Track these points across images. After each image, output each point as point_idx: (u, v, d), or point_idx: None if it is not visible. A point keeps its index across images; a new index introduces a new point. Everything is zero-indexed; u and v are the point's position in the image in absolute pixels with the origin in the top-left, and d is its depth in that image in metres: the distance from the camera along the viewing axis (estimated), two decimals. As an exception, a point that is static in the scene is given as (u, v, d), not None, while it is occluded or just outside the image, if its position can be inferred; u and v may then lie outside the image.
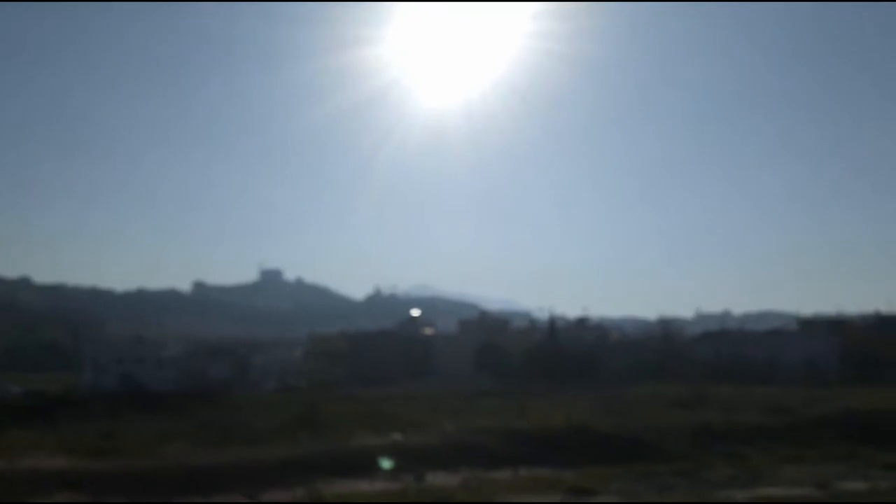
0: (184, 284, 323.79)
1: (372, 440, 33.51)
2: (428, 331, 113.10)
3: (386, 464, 30.07)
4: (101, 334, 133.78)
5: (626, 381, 66.95)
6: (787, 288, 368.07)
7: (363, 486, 26.83)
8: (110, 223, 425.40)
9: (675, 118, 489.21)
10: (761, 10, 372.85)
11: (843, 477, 27.63)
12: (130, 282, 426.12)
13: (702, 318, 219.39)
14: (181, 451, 31.59)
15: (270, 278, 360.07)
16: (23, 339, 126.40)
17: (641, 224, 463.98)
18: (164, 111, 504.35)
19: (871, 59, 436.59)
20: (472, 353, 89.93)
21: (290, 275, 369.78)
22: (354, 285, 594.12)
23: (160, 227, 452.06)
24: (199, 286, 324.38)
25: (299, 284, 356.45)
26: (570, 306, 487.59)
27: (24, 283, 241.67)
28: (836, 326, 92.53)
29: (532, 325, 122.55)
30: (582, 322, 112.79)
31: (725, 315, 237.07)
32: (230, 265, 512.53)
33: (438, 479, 27.81)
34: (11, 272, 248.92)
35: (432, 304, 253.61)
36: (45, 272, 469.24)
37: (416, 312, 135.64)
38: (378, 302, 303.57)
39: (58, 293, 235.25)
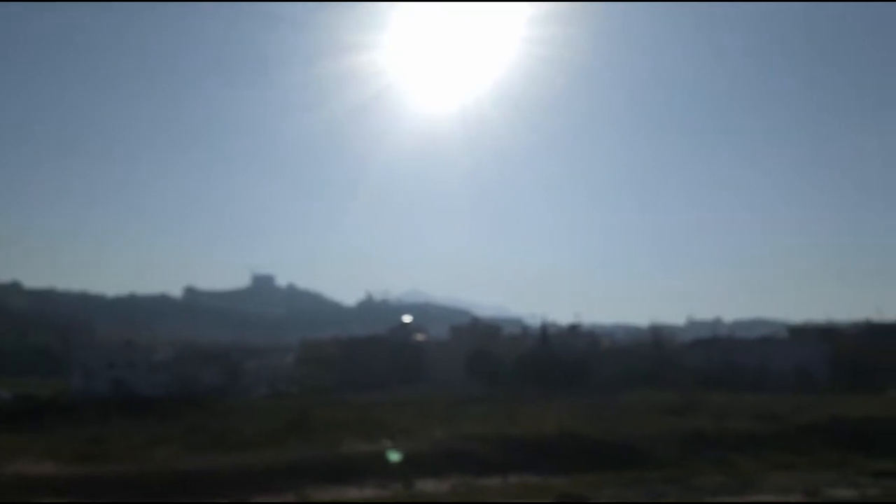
0: (175, 289, 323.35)
1: (362, 446, 33.40)
2: (419, 337, 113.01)
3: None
4: (92, 339, 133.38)
5: (617, 387, 67.01)
6: (777, 295, 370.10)
7: (352, 493, 26.76)
8: (101, 227, 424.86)
9: (668, 124, 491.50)
10: (754, 13, 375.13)
11: (832, 484, 27.66)
12: (121, 287, 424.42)
13: (693, 325, 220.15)
14: (171, 455, 31.45)
15: (262, 284, 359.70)
16: (13, 344, 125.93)
17: (634, 230, 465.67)
18: (158, 115, 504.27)
19: (864, 64, 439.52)
20: (464, 360, 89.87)
21: (281, 280, 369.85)
22: (346, 291, 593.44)
23: (151, 231, 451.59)
24: (191, 291, 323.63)
25: (291, 290, 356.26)
26: (561, 313, 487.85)
27: (14, 288, 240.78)
28: (826, 334, 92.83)
29: (524, 331, 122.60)
30: (573, 329, 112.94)
31: (716, 322, 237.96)
32: (222, 270, 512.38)
33: (428, 486, 27.73)
34: (1, 276, 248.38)
35: (424, 310, 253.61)
36: (35, 277, 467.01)
37: (407, 318, 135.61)
38: (370, 308, 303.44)
39: (48, 298, 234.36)
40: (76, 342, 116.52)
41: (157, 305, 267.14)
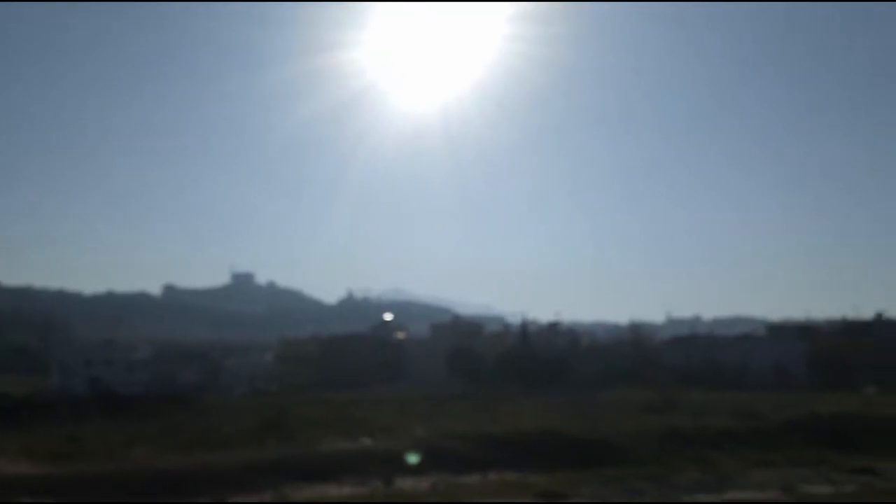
0: (154, 287, 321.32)
1: (341, 444, 33.30)
2: (400, 335, 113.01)
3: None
4: (70, 337, 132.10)
5: (597, 385, 67.35)
6: (756, 293, 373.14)
7: (331, 491, 26.66)
8: (79, 225, 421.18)
9: (648, 124, 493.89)
10: (735, 13, 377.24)
11: (809, 481, 27.88)
12: (100, 284, 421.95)
13: (672, 322, 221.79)
14: (148, 455, 31.21)
15: (242, 281, 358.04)
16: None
17: (614, 229, 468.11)
18: (139, 112, 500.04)
19: (845, 65, 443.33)
20: (445, 358, 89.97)
21: (261, 278, 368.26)
22: (327, 289, 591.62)
23: (130, 229, 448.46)
24: (170, 289, 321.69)
25: (271, 288, 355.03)
26: (542, 311, 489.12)
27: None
28: (804, 332, 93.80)
29: (505, 329, 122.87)
30: (554, 327, 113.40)
31: (696, 320, 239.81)
32: (202, 268, 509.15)
33: (408, 484, 27.68)
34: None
35: (406, 309, 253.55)
36: (12, 274, 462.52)
37: (388, 316, 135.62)
38: (351, 306, 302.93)
39: (25, 296, 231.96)
40: (54, 340, 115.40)
41: (135, 303, 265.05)
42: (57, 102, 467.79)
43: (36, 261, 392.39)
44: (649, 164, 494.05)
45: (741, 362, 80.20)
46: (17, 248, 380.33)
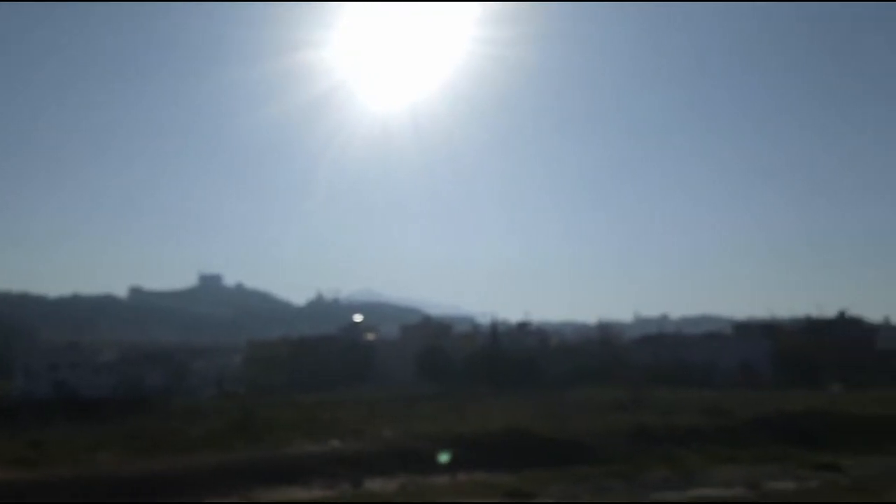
0: (120, 289, 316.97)
1: (309, 447, 33.11)
2: (370, 336, 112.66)
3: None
4: (34, 340, 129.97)
5: (566, 384, 67.64)
6: (722, 292, 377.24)
7: (299, 493, 26.49)
8: (44, 226, 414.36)
9: (616, 123, 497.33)
10: (703, 12, 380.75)
11: (774, 477, 28.18)
12: (65, 287, 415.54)
13: (640, 322, 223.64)
14: (114, 459, 30.81)
15: (210, 283, 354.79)
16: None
17: (582, 229, 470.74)
18: (103, 112, 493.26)
19: (814, 64, 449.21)
20: (415, 358, 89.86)
21: (229, 280, 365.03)
22: (296, 291, 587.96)
23: (96, 230, 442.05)
24: (136, 291, 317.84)
25: (239, 290, 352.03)
26: (512, 311, 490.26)
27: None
28: (768, 330, 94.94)
29: (474, 329, 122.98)
30: (523, 327, 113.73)
31: (663, 319, 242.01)
32: (168, 270, 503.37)
33: (376, 486, 27.59)
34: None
35: (375, 310, 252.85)
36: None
37: (358, 318, 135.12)
38: (320, 307, 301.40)
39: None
40: (18, 343, 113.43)
41: (101, 306, 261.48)
42: (21, 103, 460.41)
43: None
44: (617, 164, 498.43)
45: (708, 361, 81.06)
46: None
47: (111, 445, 33.99)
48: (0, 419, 44.44)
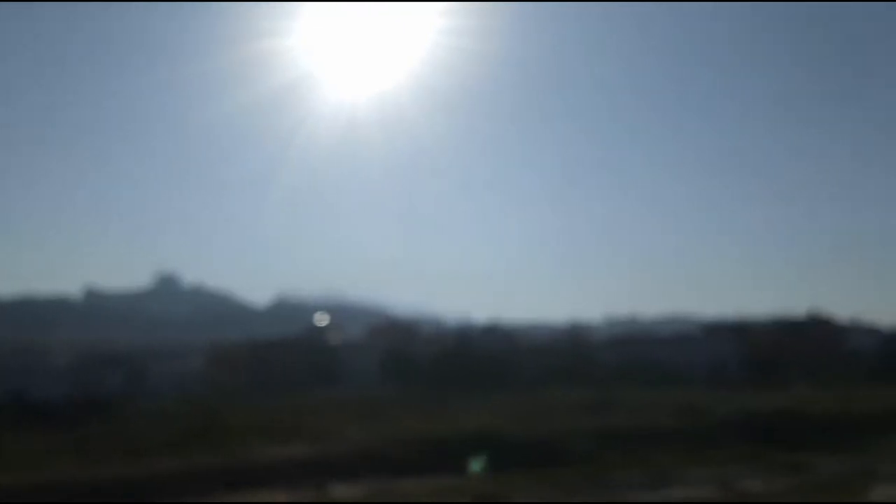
0: (74, 290, 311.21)
1: (272, 451, 32.35)
2: (335, 338, 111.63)
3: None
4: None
5: (535, 385, 67.36)
6: (691, 292, 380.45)
7: (262, 498, 25.75)
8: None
9: (584, 120, 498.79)
10: (673, 10, 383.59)
11: (744, 477, 28.06)
12: (16, 287, 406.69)
13: (610, 322, 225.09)
14: (68, 465, 29.86)
15: (167, 283, 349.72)
16: None
17: (550, 228, 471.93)
18: (57, 104, 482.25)
19: (780, 62, 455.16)
20: (381, 361, 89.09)
21: (188, 279, 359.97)
22: (258, 291, 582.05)
23: (47, 228, 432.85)
24: (91, 292, 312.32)
25: (198, 290, 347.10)
26: (479, 311, 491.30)
27: None
28: (738, 331, 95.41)
29: (441, 330, 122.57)
30: (491, 328, 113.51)
31: (633, 319, 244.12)
32: (123, 269, 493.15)
33: (342, 491, 26.91)
34: None
35: (340, 310, 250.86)
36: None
37: (322, 319, 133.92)
38: (283, 308, 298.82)
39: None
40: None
41: (55, 307, 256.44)
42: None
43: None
44: (587, 163, 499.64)
45: (677, 361, 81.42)
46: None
47: (67, 452, 33.00)
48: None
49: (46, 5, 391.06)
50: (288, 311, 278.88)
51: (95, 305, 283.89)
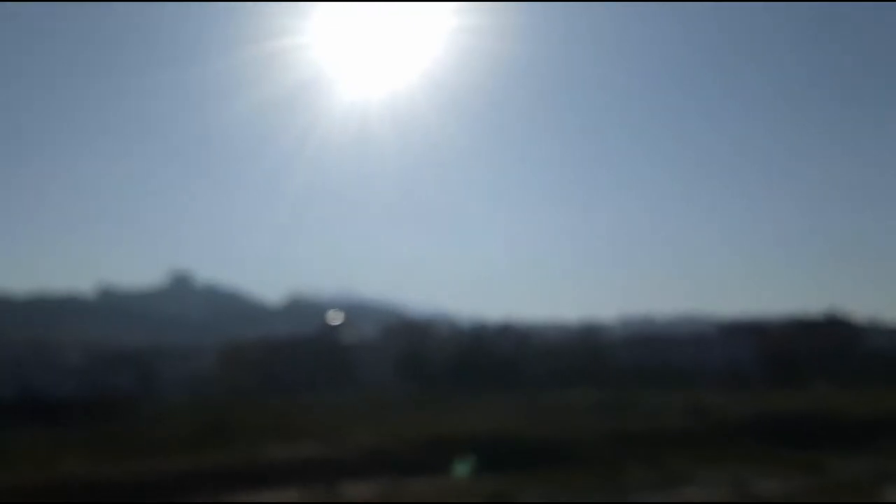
0: (88, 288, 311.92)
1: (284, 450, 32.26)
2: (348, 337, 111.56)
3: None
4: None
5: (548, 386, 66.97)
6: (707, 292, 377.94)
7: (274, 497, 25.66)
8: (8, 222, 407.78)
9: (599, 119, 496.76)
10: (691, 7, 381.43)
11: (759, 478, 27.79)
12: (30, 285, 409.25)
13: (624, 321, 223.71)
14: (79, 463, 29.85)
15: (181, 282, 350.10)
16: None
17: (564, 228, 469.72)
18: (72, 104, 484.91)
19: (801, 61, 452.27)
20: (395, 360, 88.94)
21: (201, 278, 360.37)
22: (272, 290, 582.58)
23: (62, 226, 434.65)
24: (105, 290, 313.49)
25: (212, 289, 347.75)
26: (493, 311, 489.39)
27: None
28: (755, 331, 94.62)
29: (455, 330, 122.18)
30: (505, 328, 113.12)
31: (648, 319, 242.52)
32: (138, 268, 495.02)
33: (353, 490, 26.77)
34: None
35: (354, 310, 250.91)
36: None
37: (336, 318, 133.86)
38: (297, 307, 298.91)
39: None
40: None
41: (68, 305, 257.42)
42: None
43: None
44: (602, 162, 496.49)
45: (693, 362, 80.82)
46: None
47: (78, 449, 33.03)
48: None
49: (68, 6, 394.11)
50: (302, 309, 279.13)
51: (108, 303, 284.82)
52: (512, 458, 31.37)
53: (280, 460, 30.41)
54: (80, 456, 31.64)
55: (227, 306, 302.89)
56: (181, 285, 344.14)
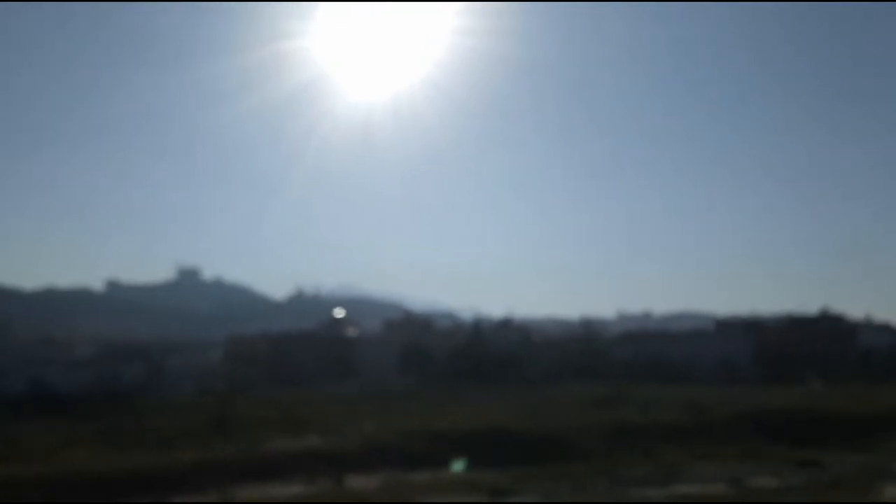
0: (96, 283, 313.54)
1: (289, 444, 32.79)
2: (351, 331, 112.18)
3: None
4: (8, 335, 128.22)
5: (548, 381, 67.54)
6: (704, 289, 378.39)
7: (279, 490, 26.16)
8: (18, 218, 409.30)
9: (597, 118, 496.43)
10: (693, 8, 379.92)
11: (755, 474, 28.16)
12: (39, 280, 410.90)
13: (623, 318, 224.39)
14: (89, 456, 30.40)
15: (188, 277, 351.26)
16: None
17: (564, 225, 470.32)
18: (80, 103, 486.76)
19: (787, 60, 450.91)
20: (397, 354, 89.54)
21: (208, 274, 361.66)
22: (276, 285, 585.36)
23: (71, 221, 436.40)
24: (113, 285, 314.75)
25: (218, 284, 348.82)
26: (493, 306, 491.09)
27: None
28: (750, 327, 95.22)
29: (456, 325, 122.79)
30: (505, 323, 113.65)
31: (646, 315, 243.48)
32: (145, 263, 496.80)
33: (357, 482, 27.30)
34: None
35: (357, 305, 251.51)
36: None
37: (339, 313, 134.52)
38: (301, 302, 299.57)
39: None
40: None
41: (77, 300, 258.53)
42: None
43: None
44: (600, 161, 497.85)
45: (690, 357, 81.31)
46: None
47: (87, 442, 33.55)
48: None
49: (74, 6, 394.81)
50: (306, 305, 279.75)
51: (117, 298, 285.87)
52: (512, 451, 31.92)
53: (285, 453, 30.90)
54: (89, 448, 32.21)
55: (234, 301, 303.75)
56: (189, 280, 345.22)
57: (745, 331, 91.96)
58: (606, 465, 29.87)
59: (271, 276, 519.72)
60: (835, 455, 31.54)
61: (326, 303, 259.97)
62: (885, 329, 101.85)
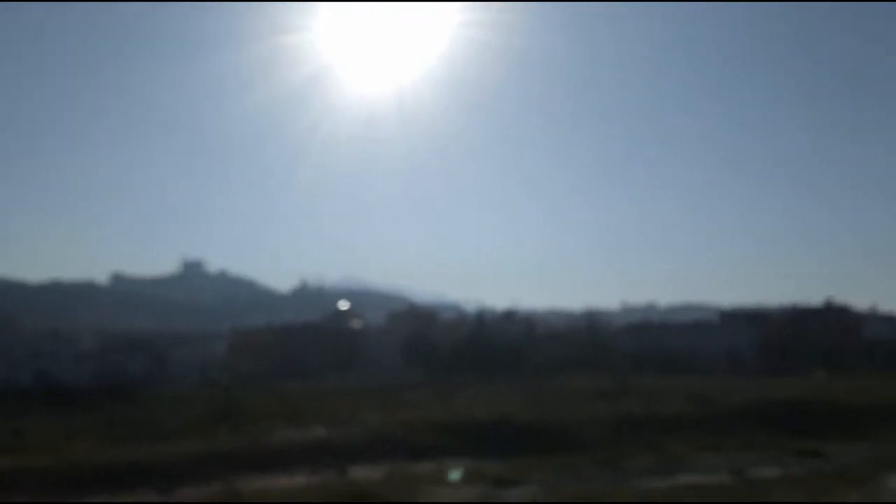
0: (101, 275, 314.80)
1: (293, 435, 32.90)
2: (356, 323, 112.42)
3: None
4: (14, 328, 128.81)
5: (552, 372, 67.68)
6: (708, 280, 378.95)
7: (283, 481, 26.24)
8: (23, 211, 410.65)
9: (602, 111, 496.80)
10: (696, 5, 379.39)
11: (758, 464, 28.20)
12: (45, 273, 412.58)
13: (627, 310, 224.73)
14: (94, 447, 30.51)
15: (193, 270, 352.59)
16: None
17: (569, 217, 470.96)
18: (85, 97, 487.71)
19: (799, 58, 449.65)
20: (401, 346, 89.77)
21: (213, 266, 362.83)
22: (281, 278, 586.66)
23: (76, 215, 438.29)
24: (118, 278, 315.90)
25: (223, 276, 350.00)
26: (498, 298, 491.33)
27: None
28: (754, 319, 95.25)
29: (461, 317, 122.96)
30: (509, 314, 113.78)
31: (650, 307, 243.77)
32: (150, 256, 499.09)
33: (361, 473, 27.39)
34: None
35: (361, 297, 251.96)
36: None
37: (343, 305, 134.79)
38: (305, 295, 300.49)
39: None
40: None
41: (82, 292, 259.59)
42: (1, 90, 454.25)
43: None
44: (605, 154, 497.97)
45: (694, 348, 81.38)
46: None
47: (92, 434, 33.69)
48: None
49: (79, 5, 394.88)
50: (310, 297, 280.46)
51: (122, 291, 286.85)
52: (515, 442, 31.98)
53: (289, 444, 31.01)
54: (94, 440, 32.33)
55: (238, 293, 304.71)
56: (193, 273, 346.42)
57: (750, 322, 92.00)
58: (610, 455, 29.91)
59: (275, 268, 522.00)
60: (838, 445, 31.55)
61: (330, 295, 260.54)
62: (890, 320, 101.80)
